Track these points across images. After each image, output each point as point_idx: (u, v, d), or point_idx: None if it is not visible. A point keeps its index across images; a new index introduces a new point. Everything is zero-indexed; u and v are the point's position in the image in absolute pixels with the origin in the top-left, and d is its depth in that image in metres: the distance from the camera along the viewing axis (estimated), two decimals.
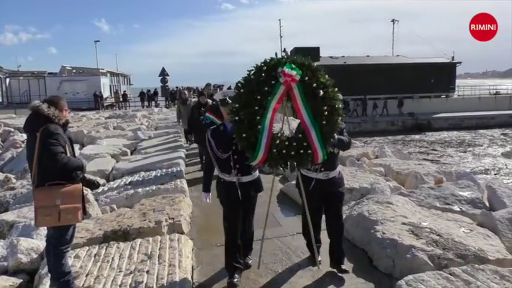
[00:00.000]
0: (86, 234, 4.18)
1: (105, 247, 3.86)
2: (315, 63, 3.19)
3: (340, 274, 3.46)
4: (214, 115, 5.65)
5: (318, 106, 3.06)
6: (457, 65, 33.18)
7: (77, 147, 9.04)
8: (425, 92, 30.94)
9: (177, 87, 31.17)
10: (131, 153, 9.38)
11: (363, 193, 5.39)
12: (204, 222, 5.02)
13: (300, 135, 3.13)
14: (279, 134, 3.16)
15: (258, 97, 3.06)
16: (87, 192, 4.93)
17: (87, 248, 3.88)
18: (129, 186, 6.10)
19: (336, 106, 3.11)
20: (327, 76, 3.16)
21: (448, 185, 5.34)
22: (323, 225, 3.76)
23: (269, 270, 3.65)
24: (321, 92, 3.05)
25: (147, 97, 31.28)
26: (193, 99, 10.33)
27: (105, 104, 30.55)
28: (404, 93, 29.86)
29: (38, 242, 4.03)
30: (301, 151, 3.07)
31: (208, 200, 3.55)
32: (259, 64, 3.13)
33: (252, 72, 3.14)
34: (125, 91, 36.36)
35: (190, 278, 3.40)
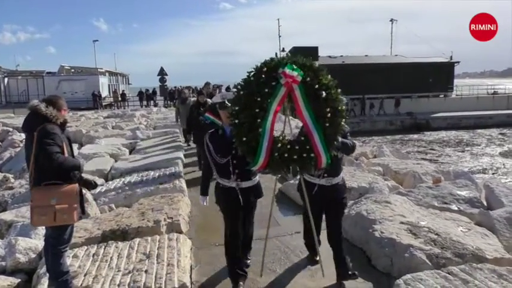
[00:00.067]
0: (85, 234, 4.17)
1: (103, 247, 3.86)
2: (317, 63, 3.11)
3: (350, 280, 3.33)
4: (214, 115, 5.64)
5: (320, 108, 2.95)
6: (455, 64, 33.26)
7: (75, 146, 9.03)
8: (424, 91, 30.99)
9: (175, 87, 31.13)
10: (130, 153, 9.37)
11: (361, 192, 5.40)
12: (202, 222, 5.02)
13: (303, 138, 3.01)
14: (281, 137, 3.05)
15: (259, 99, 2.94)
16: (86, 191, 4.92)
17: (86, 247, 3.88)
18: (128, 186, 6.09)
19: (339, 108, 3.00)
20: (329, 77, 3.05)
21: (446, 185, 5.35)
22: (323, 224, 3.75)
23: (268, 269, 3.66)
24: (324, 94, 2.95)
25: (146, 97, 31.23)
26: (193, 99, 10.32)
27: (103, 104, 30.50)
28: (402, 93, 29.91)
29: (36, 241, 4.03)
30: (304, 155, 2.95)
31: (205, 204, 3.51)
32: (259, 65, 3.03)
33: (252, 73, 3.04)
34: (123, 91, 36.31)
35: (188, 278, 3.39)
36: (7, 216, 4.89)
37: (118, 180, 6.58)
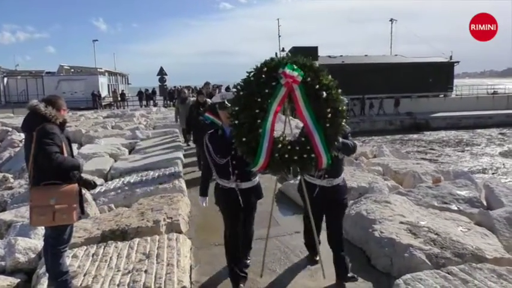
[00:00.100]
0: (84, 234, 4.17)
1: (103, 247, 3.85)
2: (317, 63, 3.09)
3: (349, 282, 3.33)
4: (214, 115, 5.64)
5: (321, 108, 2.93)
6: (455, 64, 33.29)
7: (75, 146, 9.03)
8: (424, 91, 31.01)
9: (175, 87, 31.14)
10: (129, 153, 9.36)
11: (361, 192, 5.40)
12: (202, 222, 5.01)
13: (303, 139, 2.99)
14: (281, 138, 3.03)
15: (259, 99, 2.92)
16: (85, 191, 4.92)
17: (85, 247, 3.87)
18: (127, 186, 6.08)
19: (340, 108, 2.99)
20: (330, 77, 3.03)
21: (445, 184, 5.35)
22: (323, 225, 3.74)
23: (268, 269, 3.65)
24: (324, 94, 2.93)
25: (145, 96, 31.23)
26: (192, 99, 10.31)
27: (103, 104, 30.49)
28: (402, 93, 29.92)
29: (35, 241, 4.02)
30: (305, 155, 2.93)
31: (205, 204, 3.49)
32: (258, 65, 3.01)
33: (252, 73, 3.02)
34: (123, 90, 36.27)
35: (188, 278, 3.39)
36: (6, 216, 4.89)
37: (117, 180, 6.58)
